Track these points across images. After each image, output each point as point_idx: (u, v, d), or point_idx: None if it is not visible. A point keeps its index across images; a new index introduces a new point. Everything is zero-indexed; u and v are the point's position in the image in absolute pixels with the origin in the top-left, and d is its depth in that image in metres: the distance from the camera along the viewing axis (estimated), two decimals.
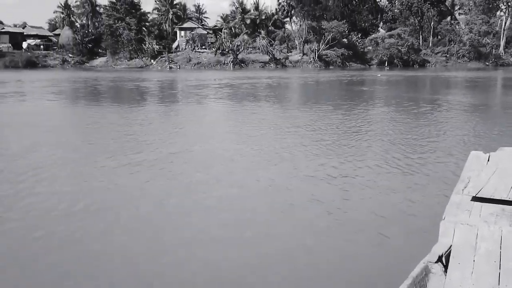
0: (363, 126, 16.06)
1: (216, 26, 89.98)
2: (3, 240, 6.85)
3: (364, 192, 8.63)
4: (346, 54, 69.50)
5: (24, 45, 74.51)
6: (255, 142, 13.36)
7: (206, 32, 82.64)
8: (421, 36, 74.17)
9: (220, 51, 70.84)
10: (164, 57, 71.00)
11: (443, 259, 3.74)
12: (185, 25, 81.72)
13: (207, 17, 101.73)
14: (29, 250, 6.47)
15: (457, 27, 74.93)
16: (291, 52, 73.85)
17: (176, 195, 8.74)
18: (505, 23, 71.78)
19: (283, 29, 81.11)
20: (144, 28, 76.18)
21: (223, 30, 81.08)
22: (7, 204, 8.27)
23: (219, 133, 15.36)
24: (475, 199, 4.54)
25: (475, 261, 3.65)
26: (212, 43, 78.71)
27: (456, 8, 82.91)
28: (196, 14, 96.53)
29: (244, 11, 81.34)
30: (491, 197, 4.49)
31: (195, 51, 73.75)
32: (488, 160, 5.77)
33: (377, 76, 48.60)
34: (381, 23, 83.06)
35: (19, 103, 25.25)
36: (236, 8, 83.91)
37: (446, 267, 3.70)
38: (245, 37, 75.08)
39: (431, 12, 72.36)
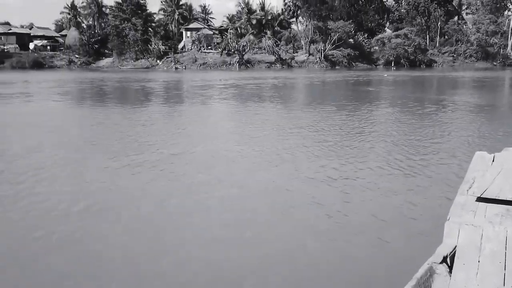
0: (367, 127, 15.99)
1: (222, 26, 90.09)
2: (3, 240, 6.89)
3: (365, 194, 8.58)
4: (353, 54, 69.32)
5: (31, 46, 75.08)
6: (257, 143, 13.35)
7: (212, 33, 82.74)
8: (428, 36, 73.75)
9: (226, 51, 70.90)
10: (170, 57, 71.19)
11: (448, 260, 3.71)
12: (191, 25, 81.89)
13: (213, 18, 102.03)
14: (29, 250, 6.50)
15: (464, 27, 74.45)
16: (297, 52, 73.74)
17: (178, 195, 8.76)
18: None
19: (289, 29, 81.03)
20: (150, 29, 76.40)
21: (229, 30, 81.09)
22: (8, 204, 8.32)
23: (221, 134, 15.37)
24: (480, 199, 4.49)
25: (480, 262, 3.61)
26: (218, 43, 78.77)
27: (464, 7, 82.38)
28: (202, 14, 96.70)
29: (250, 11, 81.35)
30: (496, 198, 4.44)
31: (201, 52, 73.88)
32: (493, 161, 5.71)
33: (384, 76, 48.40)
34: (388, 23, 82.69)
35: (24, 103, 25.45)
36: (242, 8, 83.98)
37: (450, 268, 3.67)
38: (251, 37, 75.08)
39: (438, 12, 71.94)
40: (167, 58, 71.70)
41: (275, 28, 79.98)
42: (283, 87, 36.81)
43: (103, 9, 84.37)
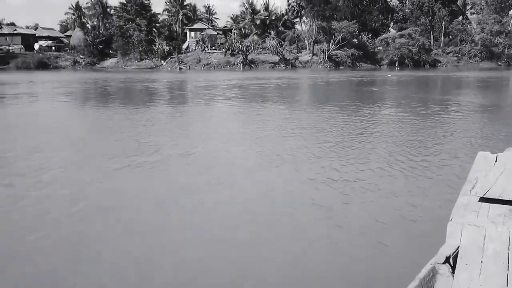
0: (369, 128, 15.94)
1: (226, 26, 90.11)
2: (3, 240, 6.92)
3: (366, 195, 8.55)
4: (356, 54, 69.24)
5: (36, 46, 75.56)
6: (259, 143, 13.34)
7: (216, 33, 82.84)
8: (432, 36, 73.49)
9: (230, 51, 70.99)
10: (174, 58, 71.38)
11: (451, 260, 3.70)
12: (195, 26, 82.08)
13: (217, 18, 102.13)
14: (29, 250, 6.53)
15: (468, 26, 74.15)
16: (301, 52, 73.69)
17: (178, 196, 8.78)
18: None
19: (293, 29, 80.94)
20: (154, 29, 76.61)
21: (233, 30, 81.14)
22: (8, 204, 8.36)
23: (223, 134, 15.36)
24: (483, 199, 4.46)
25: (482, 262, 3.61)
26: (222, 43, 78.83)
27: (468, 7, 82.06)
28: (206, 15, 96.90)
29: (254, 11, 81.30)
30: (499, 198, 4.41)
31: (205, 52, 74.03)
32: (496, 161, 5.67)
33: (387, 77, 48.25)
34: (392, 23, 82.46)
35: (28, 104, 25.56)
36: (246, 8, 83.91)
37: (453, 268, 3.66)
38: (255, 37, 75.13)
39: (442, 12, 71.70)
40: (171, 58, 71.90)
41: (279, 28, 79.91)
42: (287, 88, 36.78)
43: (108, 9, 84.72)
